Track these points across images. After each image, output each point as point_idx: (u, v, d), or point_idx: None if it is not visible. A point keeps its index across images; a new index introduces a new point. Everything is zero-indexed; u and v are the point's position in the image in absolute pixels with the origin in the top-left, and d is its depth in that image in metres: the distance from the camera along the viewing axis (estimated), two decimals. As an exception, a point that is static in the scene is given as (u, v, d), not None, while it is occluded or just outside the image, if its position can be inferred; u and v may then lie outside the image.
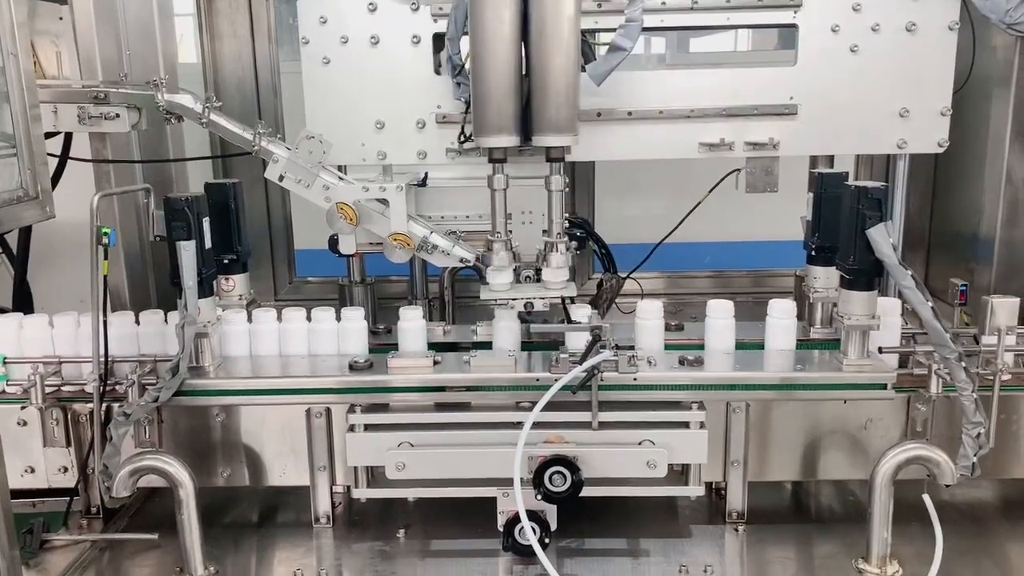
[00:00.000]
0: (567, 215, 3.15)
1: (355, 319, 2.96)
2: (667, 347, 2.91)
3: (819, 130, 3.04)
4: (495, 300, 2.87)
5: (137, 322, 2.95)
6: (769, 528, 2.88)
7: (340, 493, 3.00)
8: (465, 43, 2.81)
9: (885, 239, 2.52)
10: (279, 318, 2.97)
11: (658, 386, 2.72)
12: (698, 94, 3.03)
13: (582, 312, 2.92)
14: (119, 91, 3.06)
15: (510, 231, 2.89)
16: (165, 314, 2.96)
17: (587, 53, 3.10)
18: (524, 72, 2.72)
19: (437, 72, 3.01)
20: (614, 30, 2.80)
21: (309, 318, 2.96)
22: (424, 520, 2.95)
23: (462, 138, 2.96)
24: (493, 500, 2.67)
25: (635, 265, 3.80)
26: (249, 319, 2.99)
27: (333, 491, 2.93)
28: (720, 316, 2.88)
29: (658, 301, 2.94)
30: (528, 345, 2.97)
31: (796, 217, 3.30)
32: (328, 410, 2.83)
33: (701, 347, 2.88)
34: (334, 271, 3.79)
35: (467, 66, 2.82)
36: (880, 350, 2.80)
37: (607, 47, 2.81)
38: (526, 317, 2.98)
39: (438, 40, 2.99)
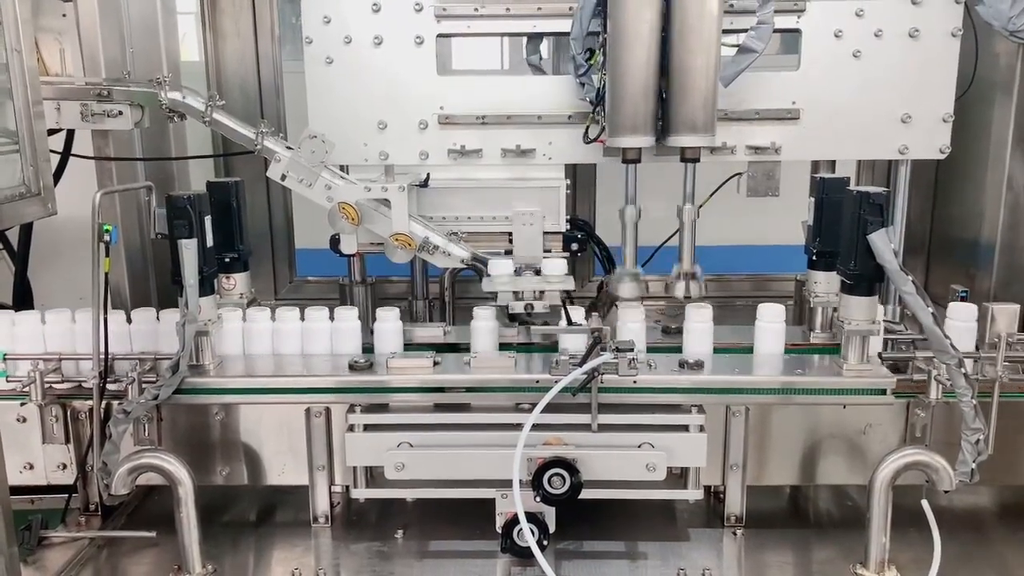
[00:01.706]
0: (567, 217, 3.16)
1: (349, 319, 2.96)
2: (667, 350, 2.91)
3: (821, 135, 3.04)
4: (497, 291, 2.87)
5: (129, 320, 2.94)
6: (767, 532, 2.88)
7: (339, 493, 3.00)
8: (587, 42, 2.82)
9: (886, 244, 2.52)
10: (272, 317, 2.98)
11: (658, 389, 2.72)
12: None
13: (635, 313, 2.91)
14: (122, 89, 3.06)
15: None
16: (157, 312, 2.95)
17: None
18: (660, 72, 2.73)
19: (530, 67, 3.00)
20: (740, 31, 2.82)
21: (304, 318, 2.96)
22: (423, 521, 2.95)
23: (587, 138, 2.96)
24: (492, 501, 2.67)
25: (635, 268, 3.80)
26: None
27: (332, 491, 2.93)
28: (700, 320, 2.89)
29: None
30: (526, 347, 2.97)
31: (797, 221, 3.30)
32: (328, 410, 2.83)
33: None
34: (335, 271, 3.79)
35: (593, 65, 2.83)
36: (880, 356, 2.80)
37: (736, 48, 2.81)
38: (525, 318, 2.99)
39: (529, 39, 3.04)
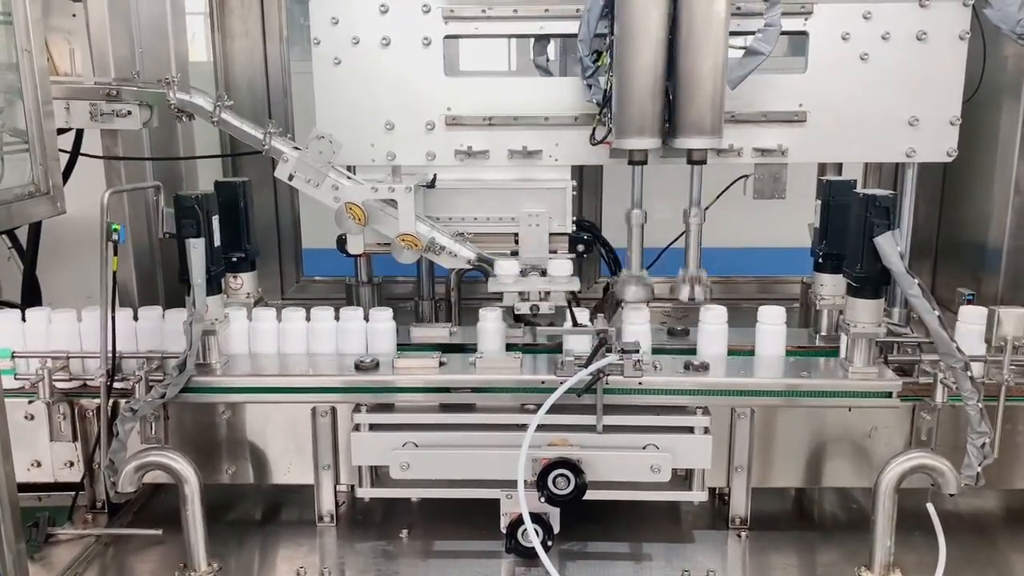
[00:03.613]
0: (573, 219, 3.17)
1: (355, 319, 2.98)
2: (673, 351, 2.92)
3: (828, 137, 3.04)
4: (503, 291, 2.88)
5: (136, 318, 2.95)
6: (772, 535, 2.87)
7: (344, 492, 2.99)
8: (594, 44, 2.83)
9: (892, 247, 2.52)
10: (278, 317, 2.99)
11: (663, 391, 2.72)
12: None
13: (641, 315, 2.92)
14: (131, 88, 3.08)
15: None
16: (163, 310, 2.97)
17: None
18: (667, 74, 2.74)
19: (538, 69, 3.02)
20: (747, 33, 2.82)
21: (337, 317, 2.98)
22: (427, 520, 2.95)
23: (593, 140, 2.96)
24: (496, 502, 2.68)
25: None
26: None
27: (337, 490, 2.94)
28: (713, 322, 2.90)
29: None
30: (532, 348, 2.97)
31: (803, 224, 3.30)
32: (333, 409, 2.84)
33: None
34: (341, 271, 3.80)
35: (600, 67, 2.84)
36: (886, 360, 2.80)
37: (743, 51, 2.82)
38: (531, 319, 2.99)
39: (536, 40, 3.04)
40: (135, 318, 2.94)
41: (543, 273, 2.98)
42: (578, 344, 2.79)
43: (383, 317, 2.96)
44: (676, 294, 3.05)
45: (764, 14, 2.74)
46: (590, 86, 2.91)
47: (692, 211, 2.96)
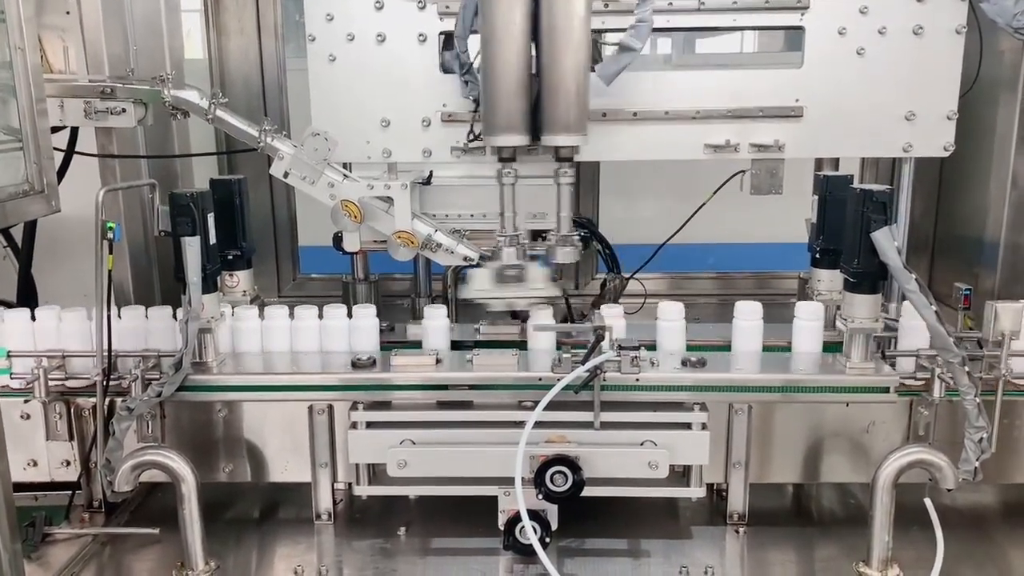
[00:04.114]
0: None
1: (346, 317, 2.97)
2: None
3: (825, 132, 3.04)
4: (475, 299, 2.88)
5: (120, 316, 2.93)
6: (770, 530, 2.88)
7: (341, 490, 3.00)
8: (473, 41, 2.81)
9: (889, 242, 2.52)
10: (265, 315, 2.98)
11: (661, 387, 2.72)
12: (704, 95, 3.03)
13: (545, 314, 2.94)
14: (125, 86, 3.06)
15: (517, 230, 2.89)
16: (174, 310, 2.96)
17: (594, 54, 3.09)
18: (534, 71, 2.72)
19: (443, 70, 3.01)
20: (622, 30, 2.81)
21: (321, 315, 2.98)
22: (425, 518, 2.95)
23: (471, 136, 2.97)
24: (494, 499, 2.67)
25: (639, 266, 3.80)
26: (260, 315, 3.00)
27: (335, 488, 2.94)
28: (670, 318, 2.90)
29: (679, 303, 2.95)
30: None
31: (801, 219, 3.30)
32: (330, 407, 2.83)
33: (703, 348, 2.88)
34: (338, 268, 3.80)
35: (476, 65, 2.82)
36: (883, 355, 2.80)
37: (616, 47, 2.81)
38: (528, 316, 2.98)
39: (447, 39, 2.99)
40: (119, 316, 2.93)
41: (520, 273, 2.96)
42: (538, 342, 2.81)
43: (367, 314, 2.96)
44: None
45: (635, 10, 2.74)
46: (467, 83, 2.91)
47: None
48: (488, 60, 2.71)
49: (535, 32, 2.68)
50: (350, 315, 2.97)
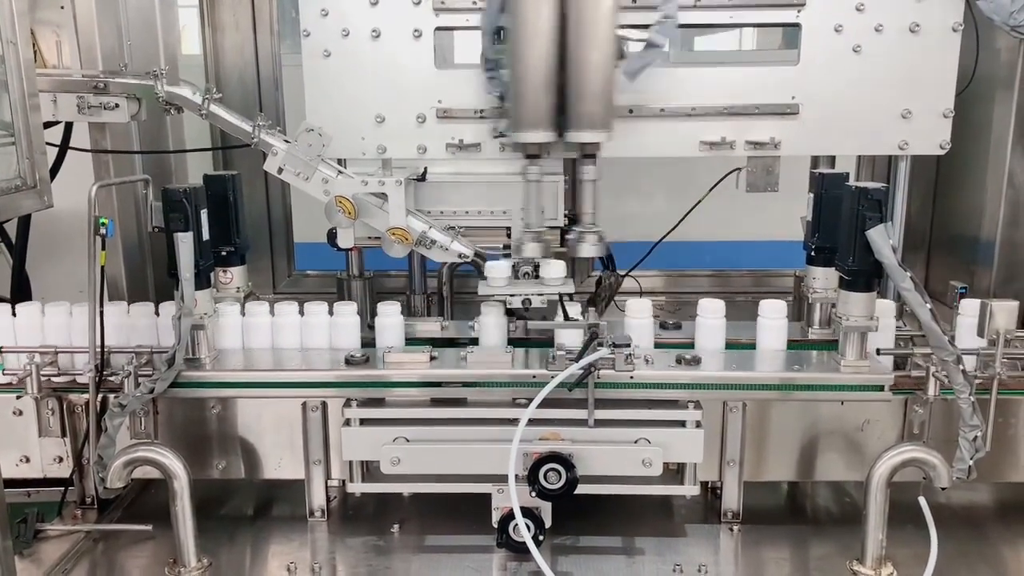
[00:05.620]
0: (566, 212, 3.15)
1: (348, 313, 2.98)
2: (665, 346, 2.91)
3: (821, 130, 3.03)
4: (493, 296, 2.87)
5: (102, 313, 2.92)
6: (764, 528, 2.87)
7: (335, 487, 2.99)
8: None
9: (885, 240, 2.51)
10: (271, 311, 2.98)
11: (655, 384, 2.71)
12: (700, 92, 3.02)
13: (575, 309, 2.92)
14: (119, 81, 3.04)
15: (543, 225, 2.89)
16: (156, 306, 2.95)
17: (619, 50, 3.09)
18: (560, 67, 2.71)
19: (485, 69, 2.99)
20: (646, 26, 2.81)
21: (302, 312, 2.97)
22: (419, 515, 2.95)
23: (496, 133, 2.96)
24: (488, 496, 2.67)
25: (634, 263, 3.79)
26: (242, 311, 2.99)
27: (328, 485, 2.93)
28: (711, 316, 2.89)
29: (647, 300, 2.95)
30: (523, 342, 2.96)
31: (796, 217, 3.29)
32: (324, 404, 2.83)
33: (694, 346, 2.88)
34: (334, 265, 3.79)
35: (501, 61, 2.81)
36: (878, 351, 2.80)
37: (642, 44, 2.80)
38: (523, 313, 2.98)
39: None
40: (99, 313, 2.91)
41: (535, 269, 2.96)
42: (570, 338, 2.78)
43: (391, 311, 2.96)
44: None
45: (660, 7, 2.73)
46: (492, 79, 2.91)
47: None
48: (515, 56, 2.71)
49: (562, 28, 2.67)
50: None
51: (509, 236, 3.12)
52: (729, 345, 2.92)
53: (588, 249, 2.95)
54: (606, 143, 2.89)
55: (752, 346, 2.92)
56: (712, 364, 2.77)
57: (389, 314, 2.96)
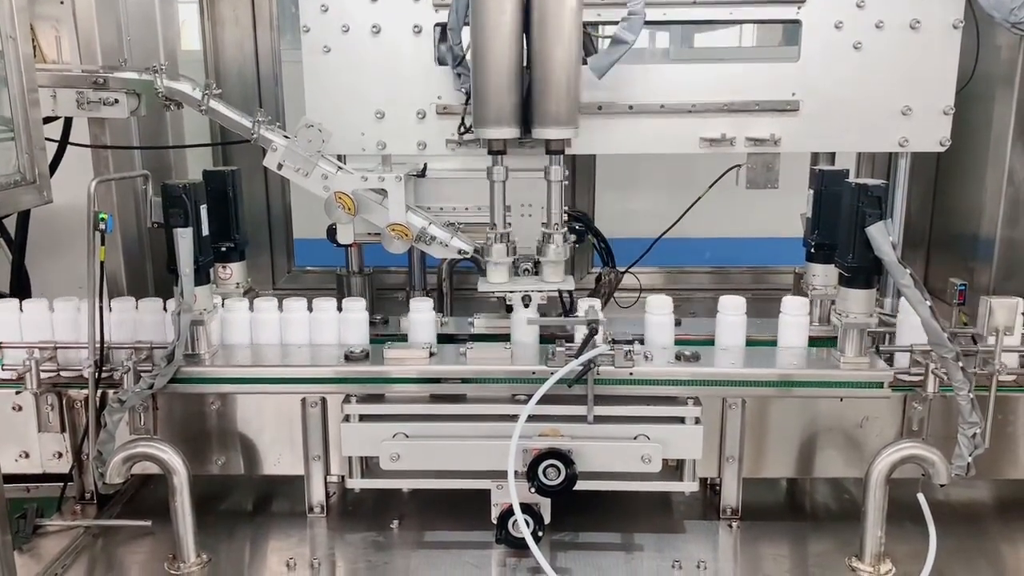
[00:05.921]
0: (566, 208, 3.14)
1: (356, 310, 2.97)
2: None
3: (821, 127, 3.03)
4: (493, 293, 2.87)
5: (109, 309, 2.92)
6: (763, 525, 2.87)
7: (334, 483, 2.99)
8: (466, 33, 2.79)
9: (884, 237, 2.51)
10: (272, 308, 2.98)
11: (654, 381, 2.72)
12: (700, 89, 3.02)
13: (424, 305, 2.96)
14: (118, 76, 3.04)
15: (509, 224, 2.88)
16: (164, 302, 2.95)
17: (588, 46, 3.08)
18: (525, 64, 2.71)
19: (439, 63, 3.00)
20: (616, 23, 2.79)
21: (310, 308, 2.98)
22: (418, 511, 2.95)
23: (462, 129, 2.96)
24: (487, 492, 2.67)
25: (634, 259, 3.79)
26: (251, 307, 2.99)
27: (327, 481, 2.93)
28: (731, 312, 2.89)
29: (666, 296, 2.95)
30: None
31: (796, 214, 3.29)
32: (323, 399, 2.83)
33: (697, 343, 2.88)
34: (334, 261, 3.79)
35: (468, 57, 2.80)
36: (878, 350, 2.80)
37: (609, 40, 2.80)
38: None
39: (443, 31, 2.98)
40: (109, 308, 2.92)
41: (535, 266, 2.95)
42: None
43: (424, 307, 2.97)
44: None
45: (627, 2, 2.72)
46: (460, 75, 2.90)
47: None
48: (478, 52, 2.70)
49: (526, 25, 2.66)
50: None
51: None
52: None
53: (554, 252, 2.87)
54: (606, 142, 2.89)
55: (758, 343, 2.91)
56: (711, 360, 2.77)
57: (422, 310, 2.95)
